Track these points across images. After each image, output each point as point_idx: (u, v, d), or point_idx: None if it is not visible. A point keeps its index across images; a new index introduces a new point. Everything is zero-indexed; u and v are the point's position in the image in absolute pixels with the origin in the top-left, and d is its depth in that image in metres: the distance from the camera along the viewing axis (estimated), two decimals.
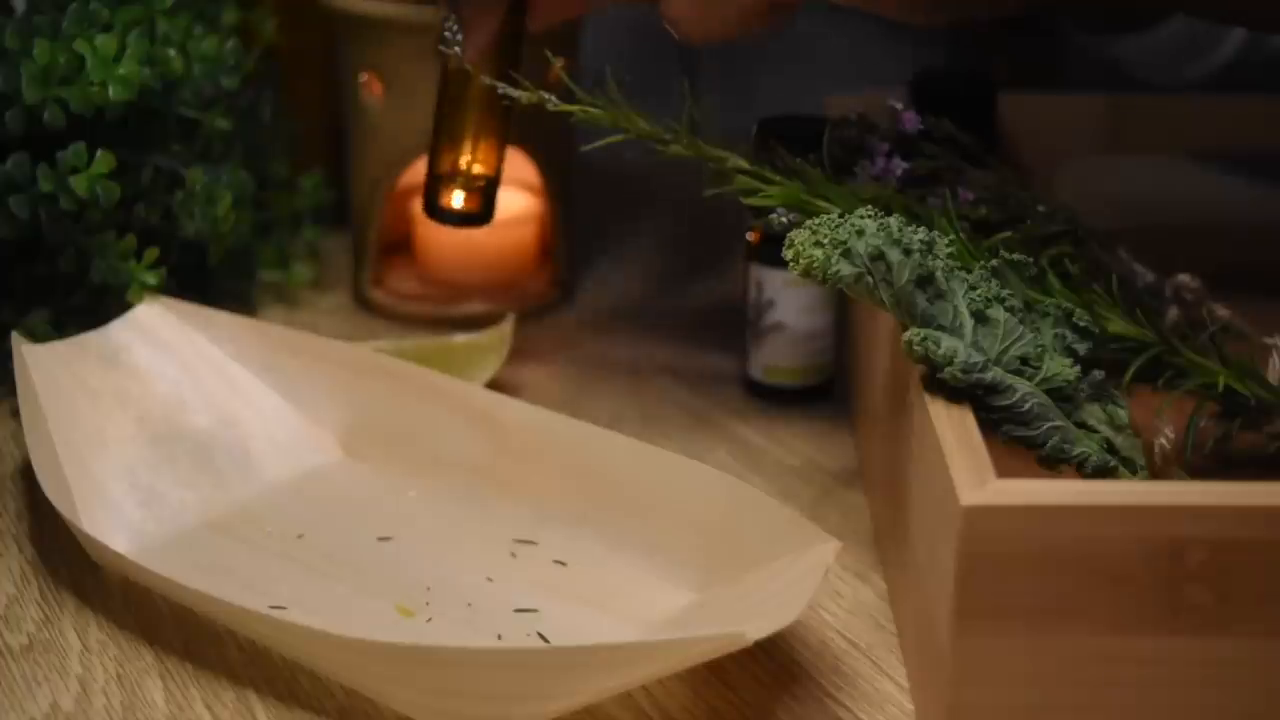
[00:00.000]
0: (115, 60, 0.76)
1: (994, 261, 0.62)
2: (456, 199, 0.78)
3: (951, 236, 0.64)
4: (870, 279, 0.59)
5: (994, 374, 0.59)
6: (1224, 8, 0.77)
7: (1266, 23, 0.79)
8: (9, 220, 0.76)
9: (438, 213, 0.79)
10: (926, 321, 0.60)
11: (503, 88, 0.72)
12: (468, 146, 0.77)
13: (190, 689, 0.61)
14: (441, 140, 0.77)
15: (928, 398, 0.59)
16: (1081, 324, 0.62)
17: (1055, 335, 0.61)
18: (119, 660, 0.63)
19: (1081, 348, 0.61)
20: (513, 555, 0.68)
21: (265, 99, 0.92)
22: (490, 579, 0.66)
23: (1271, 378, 0.68)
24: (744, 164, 0.73)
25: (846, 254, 0.59)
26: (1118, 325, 0.67)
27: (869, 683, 0.62)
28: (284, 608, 0.63)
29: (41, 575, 0.68)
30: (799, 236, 0.60)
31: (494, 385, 0.78)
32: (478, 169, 0.77)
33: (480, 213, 0.79)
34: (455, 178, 0.77)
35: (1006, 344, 0.60)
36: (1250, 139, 0.90)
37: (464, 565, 0.67)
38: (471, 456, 0.71)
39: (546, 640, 0.62)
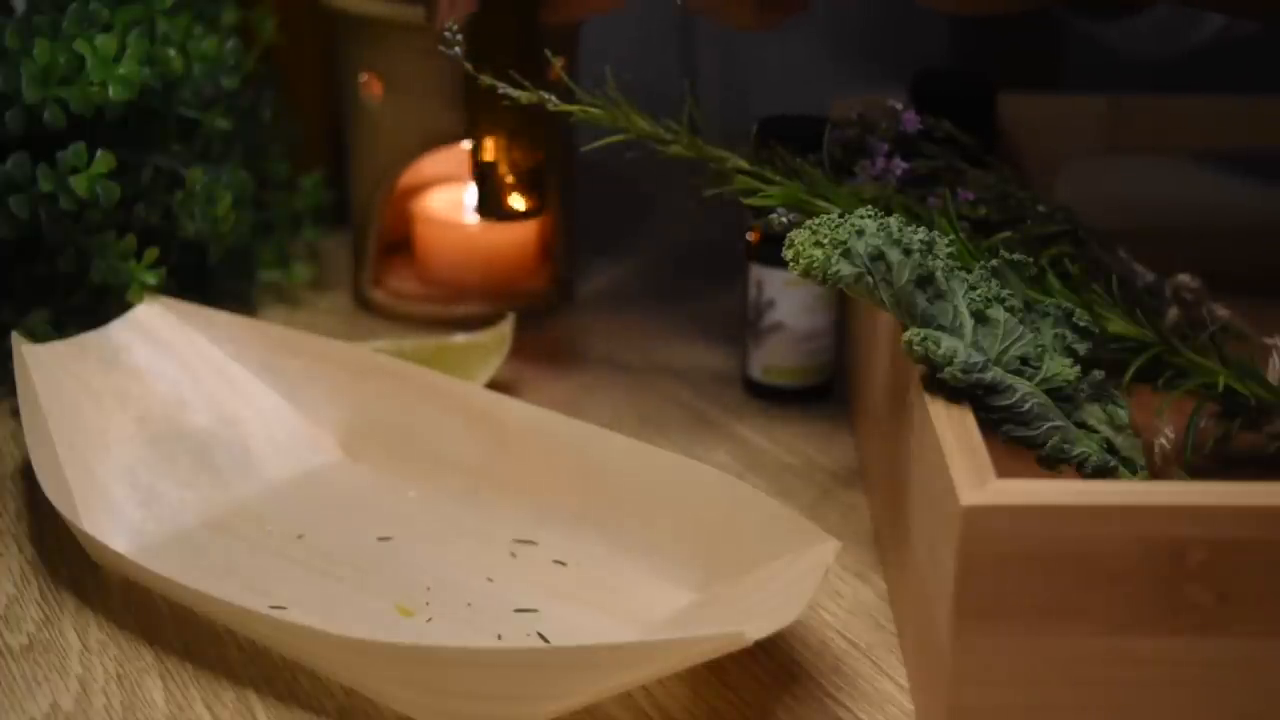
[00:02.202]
0: (115, 60, 0.76)
1: (994, 261, 0.62)
2: (511, 198, 0.79)
3: (951, 236, 0.64)
4: (870, 279, 0.59)
5: (994, 374, 0.59)
6: None
7: (1240, 8, 0.80)
8: (9, 220, 0.76)
9: (492, 212, 0.80)
10: (926, 321, 0.60)
11: (502, 87, 0.72)
12: (505, 141, 0.78)
13: (190, 689, 0.61)
14: (479, 140, 0.78)
15: (928, 398, 0.59)
16: (1081, 324, 0.62)
17: (1055, 335, 0.61)
18: (119, 660, 0.63)
19: (1081, 348, 0.61)
20: (513, 555, 0.68)
21: (265, 99, 0.92)
22: (490, 579, 0.66)
23: (1271, 378, 0.68)
24: (744, 164, 0.73)
25: (846, 254, 0.59)
26: (1118, 325, 0.67)
27: (869, 683, 0.62)
28: (284, 608, 0.63)
29: (41, 575, 0.68)
30: (799, 236, 0.60)
31: (494, 385, 0.78)
32: (520, 160, 0.78)
33: (538, 206, 0.80)
34: (501, 175, 0.78)
35: (1006, 344, 0.60)
36: (1250, 139, 0.90)
37: (464, 565, 0.67)
38: (471, 456, 0.71)
39: (546, 640, 0.62)
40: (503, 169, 0.79)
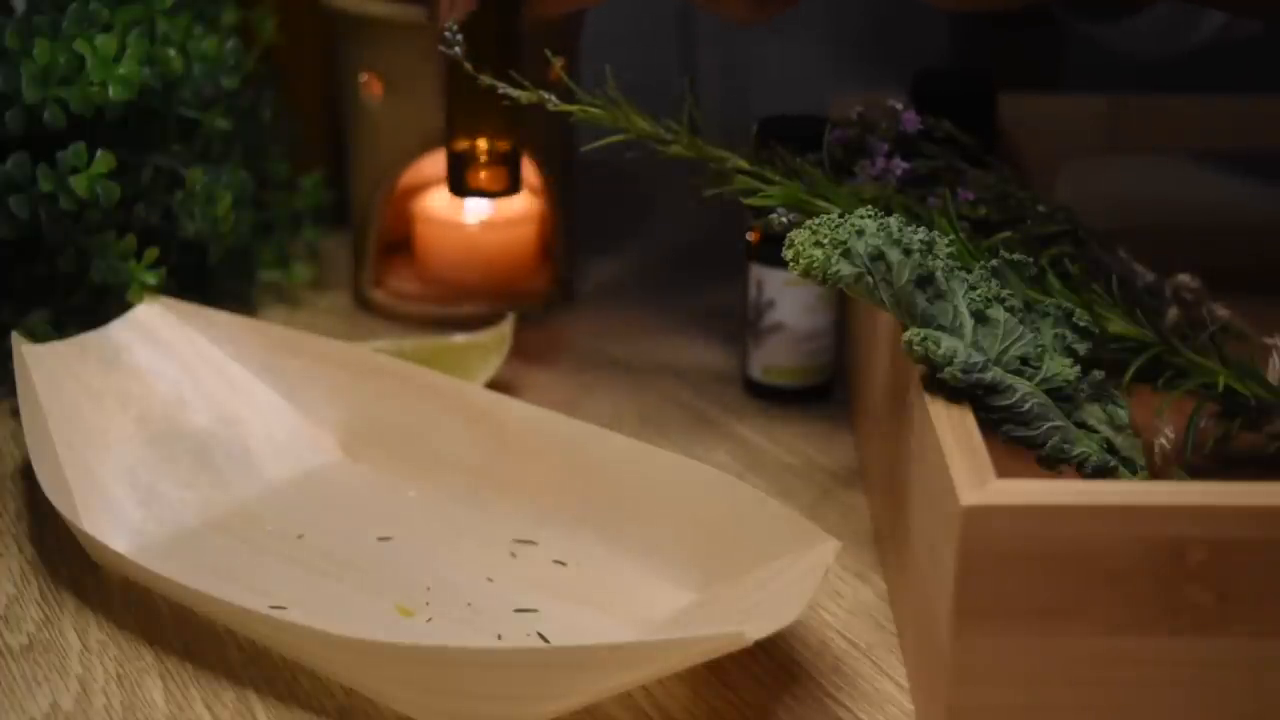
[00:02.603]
0: (115, 60, 0.76)
1: (994, 261, 0.62)
2: (481, 176, 0.79)
3: (951, 236, 0.64)
4: (870, 279, 0.59)
5: (994, 374, 0.59)
6: None
7: (1241, 7, 0.80)
8: (9, 220, 0.76)
9: (464, 190, 0.80)
10: (926, 321, 0.60)
11: (502, 87, 0.72)
12: (482, 124, 0.78)
13: (190, 689, 0.61)
14: (456, 121, 0.78)
15: (928, 398, 0.59)
16: (1081, 324, 0.62)
17: (1055, 335, 0.61)
18: (119, 660, 0.63)
19: (1081, 348, 0.61)
20: (513, 555, 0.68)
21: (265, 99, 0.92)
22: (490, 579, 0.66)
23: (1271, 378, 0.68)
24: (744, 164, 0.73)
25: (846, 254, 0.59)
26: (1118, 325, 0.67)
27: (869, 683, 0.62)
28: (284, 608, 0.63)
29: (41, 575, 0.68)
30: (799, 236, 0.60)
31: (494, 385, 0.78)
32: (497, 144, 0.78)
33: (507, 186, 0.80)
34: (476, 155, 0.78)
35: (1006, 344, 0.60)
36: (1250, 139, 0.90)
37: (464, 565, 0.67)
38: (471, 456, 0.71)
39: (546, 640, 0.62)
40: (477, 149, 0.79)
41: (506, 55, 0.76)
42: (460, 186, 0.81)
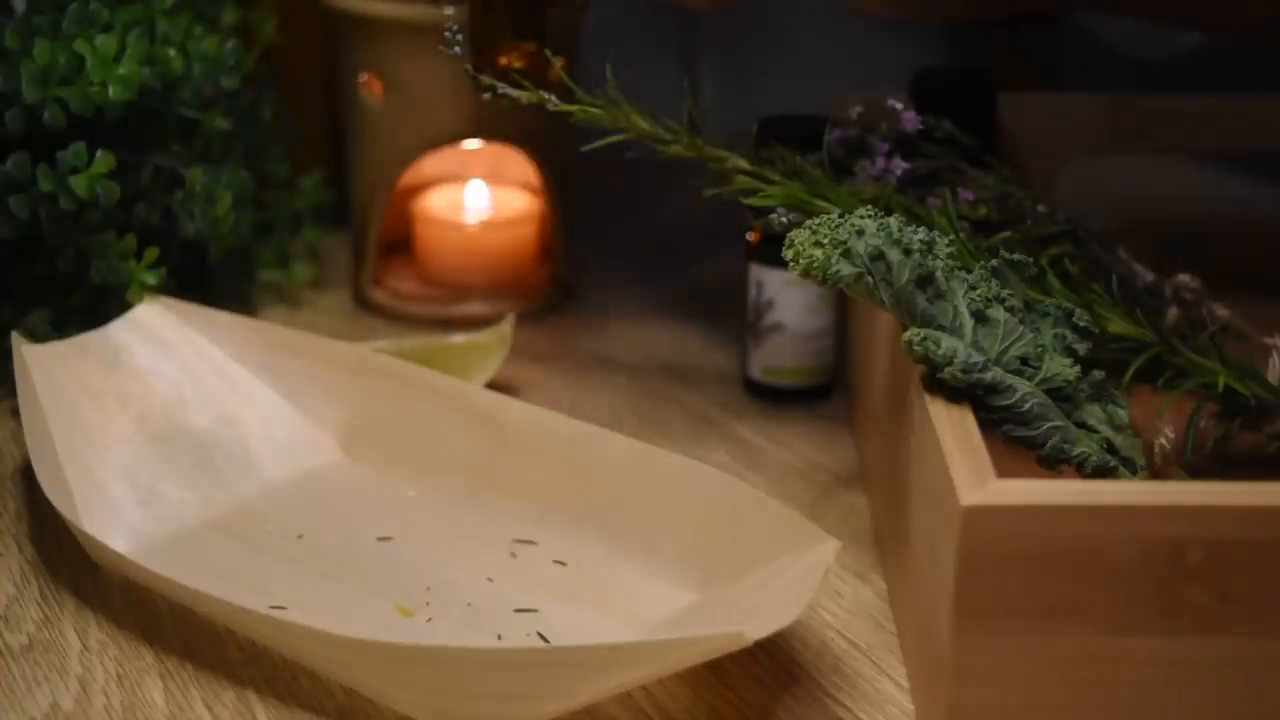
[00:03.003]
0: (115, 60, 0.76)
1: (994, 261, 0.62)
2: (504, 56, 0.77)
3: (951, 236, 0.64)
4: (870, 279, 0.59)
5: (994, 374, 0.59)
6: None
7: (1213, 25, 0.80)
8: (9, 220, 0.76)
9: (486, 68, 0.76)
10: (926, 321, 0.60)
11: (502, 87, 0.72)
12: (508, 37, 0.76)
13: (190, 689, 0.61)
14: (482, 28, 0.76)
15: (928, 398, 0.59)
16: (1081, 324, 0.62)
17: (1055, 335, 0.61)
18: (119, 660, 0.63)
19: (1081, 348, 0.61)
20: (513, 555, 0.68)
21: (265, 99, 0.92)
22: (490, 579, 0.66)
23: (1271, 378, 0.68)
24: (744, 164, 0.73)
25: (846, 254, 0.59)
26: (1118, 325, 0.67)
27: (869, 683, 0.62)
28: (284, 608, 0.63)
29: (41, 575, 0.68)
30: (799, 236, 0.60)
31: (494, 385, 0.78)
32: (523, 50, 0.76)
33: (535, 49, 0.77)
34: (501, 60, 0.77)
35: (1006, 344, 0.60)
36: (1250, 139, 0.90)
37: (464, 565, 0.67)
38: (471, 456, 0.71)
39: (546, 640, 0.62)
40: (502, 56, 0.76)
41: (527, 19, 0.74)
42: (484, 62, 0.77)
